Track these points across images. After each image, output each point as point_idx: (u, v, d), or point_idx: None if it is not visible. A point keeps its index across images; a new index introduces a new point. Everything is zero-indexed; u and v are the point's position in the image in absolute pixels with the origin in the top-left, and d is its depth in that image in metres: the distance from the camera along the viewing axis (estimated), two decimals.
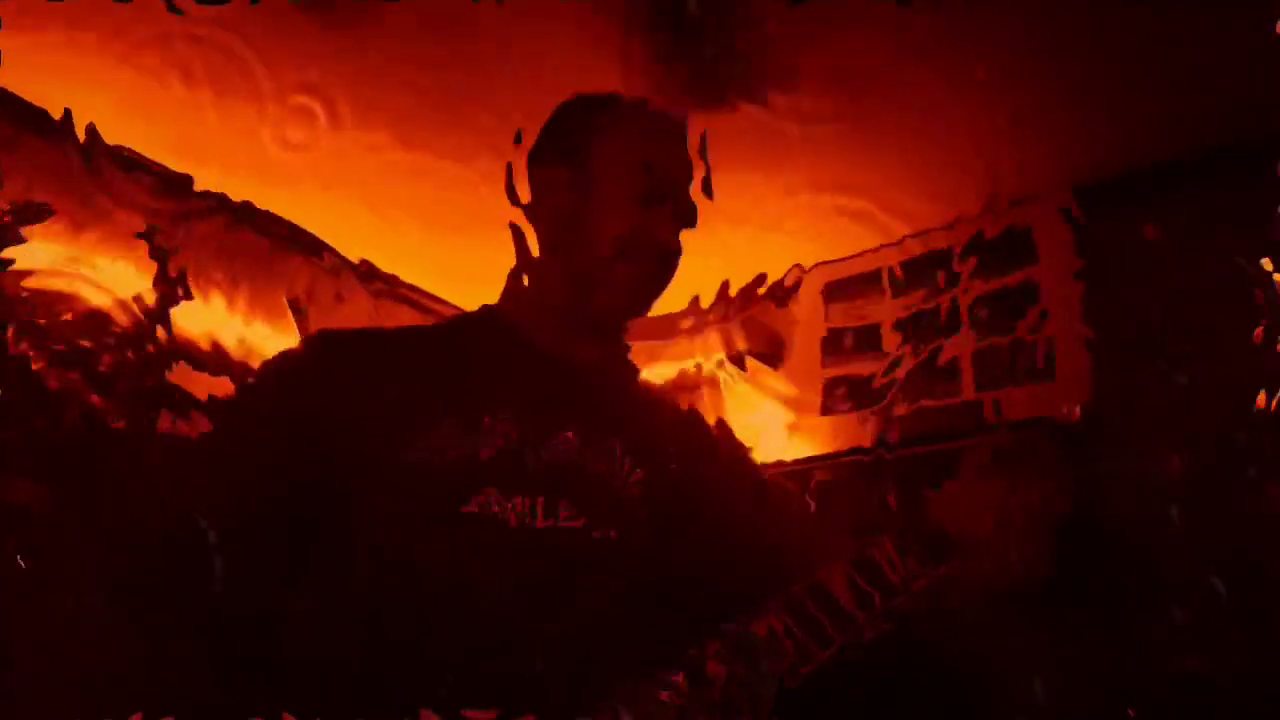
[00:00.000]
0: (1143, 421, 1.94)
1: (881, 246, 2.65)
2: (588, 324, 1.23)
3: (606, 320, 1.25)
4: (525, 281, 1.27)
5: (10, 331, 2.00)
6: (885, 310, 2.66)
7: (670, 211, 1.23)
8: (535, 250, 1.28)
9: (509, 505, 1.02)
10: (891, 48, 1.96)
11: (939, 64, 1.98)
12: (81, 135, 2.17)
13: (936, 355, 2.49)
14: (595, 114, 1.27)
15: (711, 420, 1.31)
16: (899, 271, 2.63)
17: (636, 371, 1.32)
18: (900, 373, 2.54)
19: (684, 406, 1.33)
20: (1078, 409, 1.98)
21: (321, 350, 1.22)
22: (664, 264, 1.24)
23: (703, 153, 1.28)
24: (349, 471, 1.04)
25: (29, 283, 2.09)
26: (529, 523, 1.02)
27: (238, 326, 2.39)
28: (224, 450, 1.15)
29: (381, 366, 1.15)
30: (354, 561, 1.00)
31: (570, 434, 1.08)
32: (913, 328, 2.57)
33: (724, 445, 1.31)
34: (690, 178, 1.26)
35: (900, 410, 2.50)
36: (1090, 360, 2.18)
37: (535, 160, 1.28)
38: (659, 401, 1.37)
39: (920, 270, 2.59)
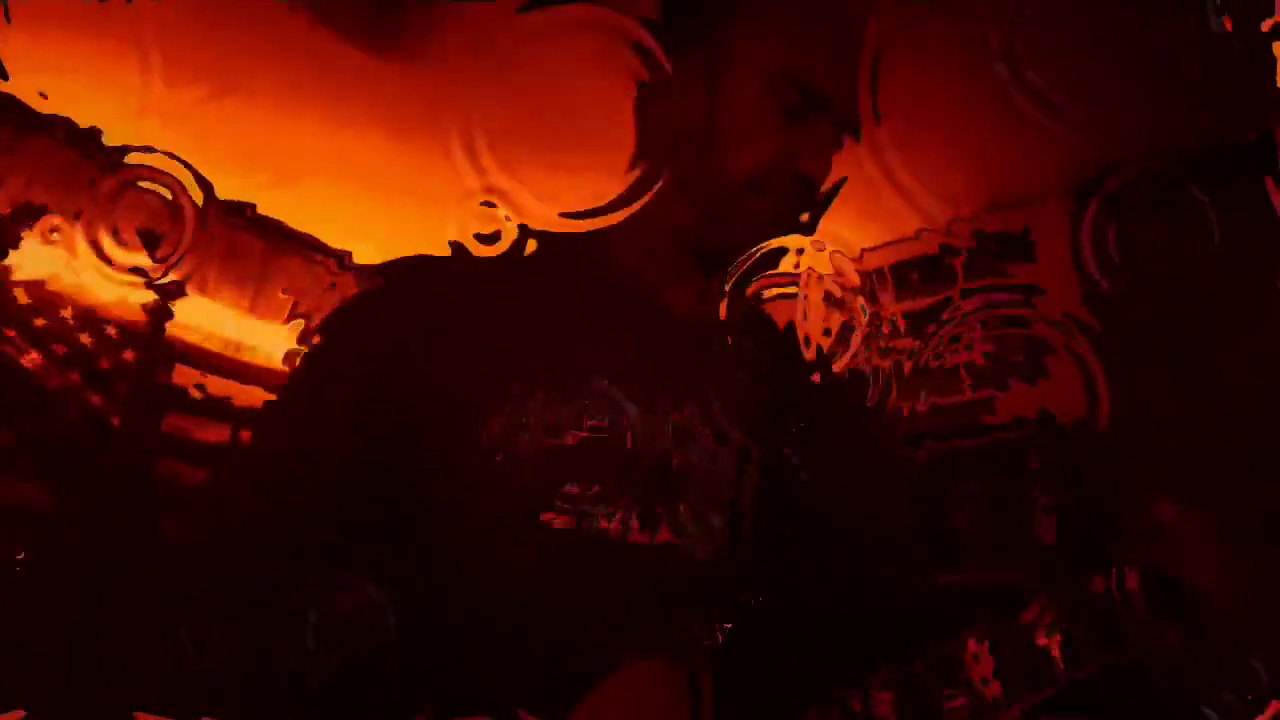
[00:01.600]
0: (1145, 423, 1.94)
1: (880, 245, 2.64)
2: (701, 264, 0.94)
3: (725, 262, 0.95)
4: (632, 208, 0.98)
5: (10, 332, 1.99)
6: (884, 310, 2.65)
7: (825, 131, 0.90)
8: (644, 170, 0.97)
9: (598, 510, 0.75)
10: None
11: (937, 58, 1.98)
12: (81, 135, 2.16)
13: (936, 356, 2.49)
14: None
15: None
16: (898, 270, 2.63)
17: (751, 315, 1.02)
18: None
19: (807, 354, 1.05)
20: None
21: (400, 288, 0.96)
22: (808, 200, 0.92)
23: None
24: (422, 439, 0.82)
25: (27, 283, 2.08)
26: (620, 535, 0.76)
27: (238, 326, 2.38)
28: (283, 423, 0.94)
29: (465, 308, 0.88)
30: (407, 552, 0.85)
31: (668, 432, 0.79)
32: (911, 327, 2.57)
33: (855, 415, 1.03)
34: (853, 85, 0.93)
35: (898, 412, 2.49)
36: (1092, 362, 2.18)
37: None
38: (780, 359, 1.05)
39: (918, 270, 2.59)
